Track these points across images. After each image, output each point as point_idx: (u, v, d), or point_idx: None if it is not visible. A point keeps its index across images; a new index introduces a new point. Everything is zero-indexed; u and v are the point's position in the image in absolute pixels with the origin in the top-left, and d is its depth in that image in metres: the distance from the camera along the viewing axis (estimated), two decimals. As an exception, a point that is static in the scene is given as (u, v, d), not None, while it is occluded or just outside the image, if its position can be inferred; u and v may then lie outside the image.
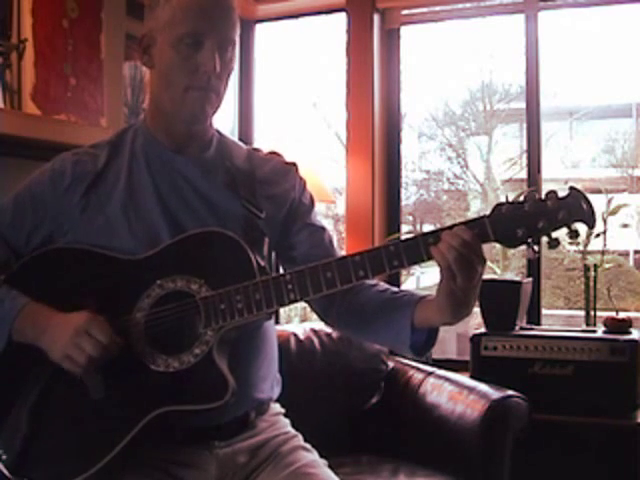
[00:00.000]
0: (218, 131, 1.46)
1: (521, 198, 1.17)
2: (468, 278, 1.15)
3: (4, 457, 1.26)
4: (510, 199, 1.18)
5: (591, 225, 1.14)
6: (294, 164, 1.48)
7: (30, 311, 1.28)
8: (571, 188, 1.14)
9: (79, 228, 1.33)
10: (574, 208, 1.13)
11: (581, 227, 1.16)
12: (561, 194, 1.14)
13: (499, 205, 1.17)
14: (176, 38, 1.29)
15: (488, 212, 1.18)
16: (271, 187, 1.42)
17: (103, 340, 1.22)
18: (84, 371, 1.23)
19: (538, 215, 1.14)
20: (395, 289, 1.38)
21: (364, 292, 1.37)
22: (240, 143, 1.50)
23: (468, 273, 1.15)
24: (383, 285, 1.40)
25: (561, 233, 1.17)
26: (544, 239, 1.16)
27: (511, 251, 2.60)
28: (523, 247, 1.19)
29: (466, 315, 1.22)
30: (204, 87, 1.31)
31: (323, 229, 1.46)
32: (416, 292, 1.34)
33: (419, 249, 1.18)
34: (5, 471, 1.25)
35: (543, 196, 1.15)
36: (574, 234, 1.15)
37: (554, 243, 1.15)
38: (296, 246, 1.43)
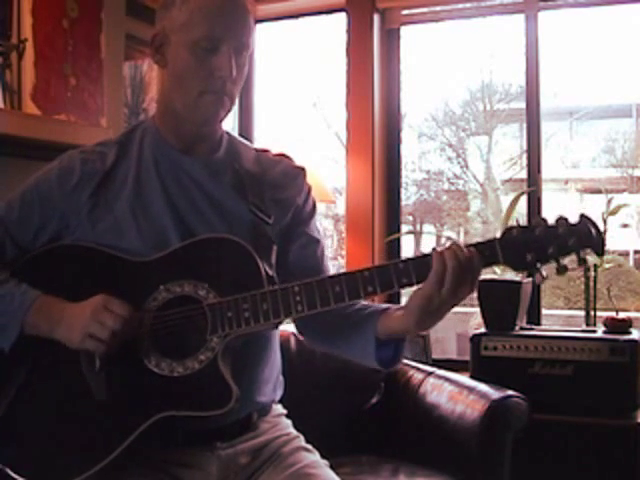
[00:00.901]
0: (227, 132, 1.45)
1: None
2: (453, 293, 1.16)
3: (4, 456, 1.26)
4: (519, 219, 1.19)
5: (600, 253, 1.15)
6: (303, 169, 1.47)
7: (42, 304, 1.27)
8: (581, 215, 1.16)
9: (87, 227, 1.32)
10: (584, 235, 1.14)
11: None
12: (571, 220, 1.16)
13: (510, 229, 1.17)
14: (192, 41, 1.28)
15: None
16: (279, 191, 1.41)
17: (123, 313, 1.21)
18: (108, 347, 1.21)
19: (548, 241, 1.15)
20: (364, 303, 1.38)
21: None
22: (249, 144, 1.49)
23: (456, 289, 1.16)
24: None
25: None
26: (552, 265, 1.17)
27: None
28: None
29: (428, 327, 1.23)
30: (219, 91, 1.30)
31: (318, 241, 1.45)
32: (381, 305, 1.33)
33: (429, 268, 1.18)
34: (5, 470, 1.25)
35: (554, 221, 1.16)
36: (582, 261, 1.16)
37: (562, 269, 1.16)
38: (289, 252, 1.41)
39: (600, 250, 1.15)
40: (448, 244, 1.18)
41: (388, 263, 1.21)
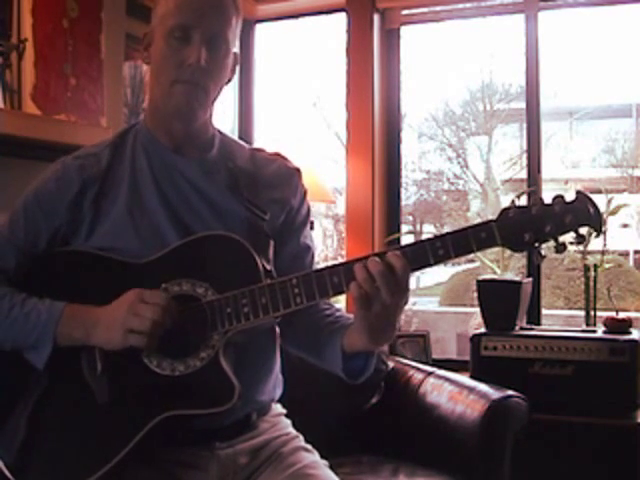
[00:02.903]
0: (220, 131, 1.45)
1: (524, 200, 1.17)
2: (384, 306, 1.15)
3: (6, 459, 1.25)
4: (516, 203, 1.18)
5: (598, 230, 1.14)
6: (298, 169, 1.47)
7: (71, 313, 1.26)
8: (578, 192, 1.15)
9: (88, 231, 1.32)
10: (581, 212, 1.13)
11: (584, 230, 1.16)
12: (568, 198, 1.14)
13: (506, 209, 1.16)
14: (167, 31, 1.30)
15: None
16: (274, 191, 1.41)
17: (160, 302, 1.20)
18: (151, 340, 1.20)
19: (545, 219, 1.14)
20: (339, 313, 1.38)
21: (313, 315, 1.38)
22: (242, 143, 1.49)
23: (385, 302, 1.15)
24: (332, 308, 1.40)
25: (566, 237, 1.17)
26: (551, 243, 1.16)
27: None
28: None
29: (386, 340, 1.23)
30: (188, 80, 1.30)
31: (309, 248, 1.45)
32: (350, 319, 1.32)
33: (427, 256, 1.17)
34: (7, 473, 1.25)
35: (550, 200, 1.15)
36: (581, 239, 1.15)
37: (561, 247, 1.15)
38: (280, 255, 1.40)
39: (598, 227, 1.14)
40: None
41: (384, 250, 1.20)
